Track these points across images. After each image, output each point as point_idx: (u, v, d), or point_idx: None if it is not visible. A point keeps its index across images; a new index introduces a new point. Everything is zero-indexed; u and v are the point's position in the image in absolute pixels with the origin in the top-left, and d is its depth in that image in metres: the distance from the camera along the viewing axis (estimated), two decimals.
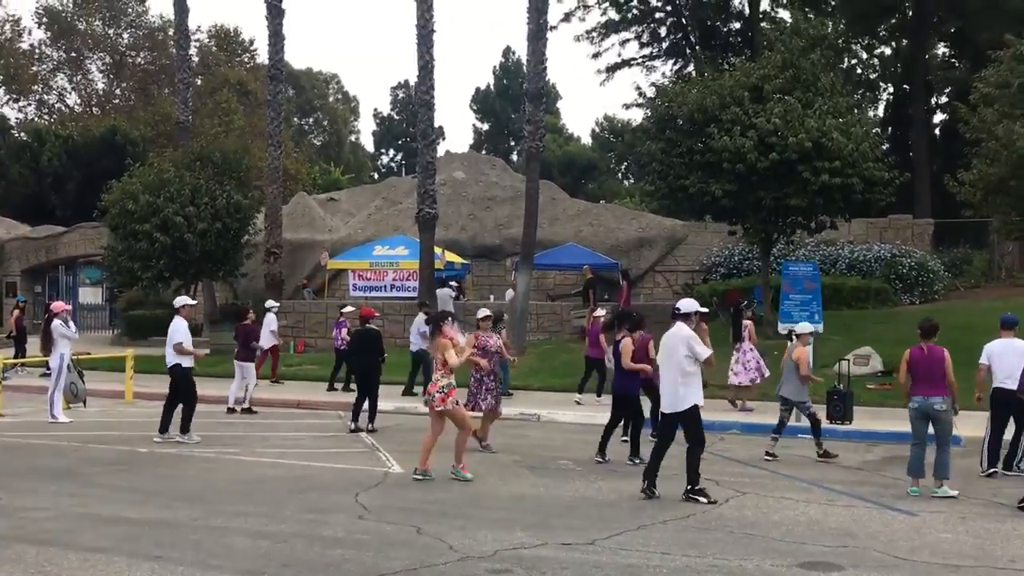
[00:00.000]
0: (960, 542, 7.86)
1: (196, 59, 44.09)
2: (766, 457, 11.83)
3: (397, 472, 10.86)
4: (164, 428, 13.04)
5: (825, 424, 14.22)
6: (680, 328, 9.64)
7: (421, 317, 18.14)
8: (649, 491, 9.42)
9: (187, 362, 13.29)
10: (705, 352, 9.56)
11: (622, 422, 12.05)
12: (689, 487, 9.34)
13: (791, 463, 11.74)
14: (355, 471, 10.89)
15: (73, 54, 50.99)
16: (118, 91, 53.25)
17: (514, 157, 65.79)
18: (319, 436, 13.87)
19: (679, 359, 9.42)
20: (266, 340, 20.14)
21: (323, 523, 8.27)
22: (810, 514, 8.85)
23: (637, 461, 11.24)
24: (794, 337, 12.54)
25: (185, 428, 13.02)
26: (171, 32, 39.70)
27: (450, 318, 11.42)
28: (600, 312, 17.42)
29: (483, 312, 13.17)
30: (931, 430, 9.91)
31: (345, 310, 19.67)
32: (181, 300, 13.97)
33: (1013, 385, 10.16)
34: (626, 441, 12.41)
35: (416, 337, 18.10)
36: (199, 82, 45.84)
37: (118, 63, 51.74)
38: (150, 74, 51.76)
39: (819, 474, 11.01)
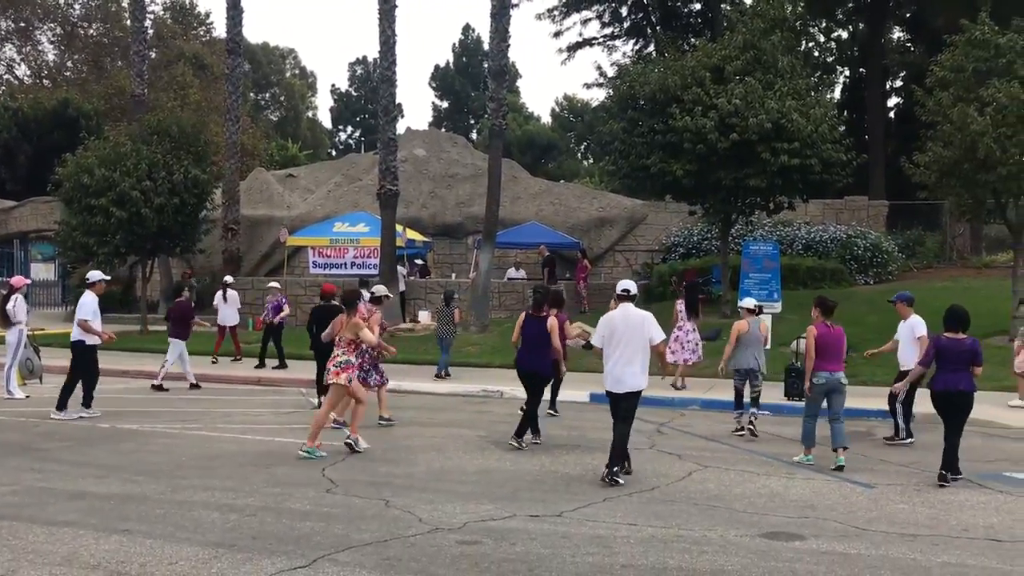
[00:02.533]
0: (916, 512, 8.09)
1: (151, 32, 43.24)
2: (740, 433, 12.09)
3: (362, 447, 10.85)
4: (63, 405, 12.81)
5: (783, 400, 14.58)
6: (635, 309, 9.47)
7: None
8: (610, 476, 9.00)
9: (91, 340, 13.01)
10: (661, 336, 9.42)
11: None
12: (616, 467, 9.08)
13: (750, 439, 11.95)
14: (320, 446, 10.86)
15: (22, 24, 49.74)
16: (69, 63, 52.11)
17: (474, 135, 65.60)
18: (282, 412, 13.82)
19: (643, 340, 9.23)
20: (232, 317, 20.13)
21: (291, 496, 8.27)
22: (771, 487, 9.04)
23: (528, 443, 11.01)
24: (743, 313, 12.84)
25: (87, 403, 12.96)
26: (124, 3, 38.91)
27: (361, 298, 11.64)
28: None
29: (382, 290, 13.20)
30: (824, 404, 10.30)
31: (271, 285, 19.86)
32: (97, 275, 13.53)
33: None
34: (553, 414, 12.82)
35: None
36: (154, 55, 45.01)
37: (69, 34, 50.59)
38: (103, 46, 50.67)
39: (779, 448, 11.23)
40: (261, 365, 18.77)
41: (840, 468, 9.82)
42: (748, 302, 12.99)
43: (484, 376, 17.67)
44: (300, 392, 16.21)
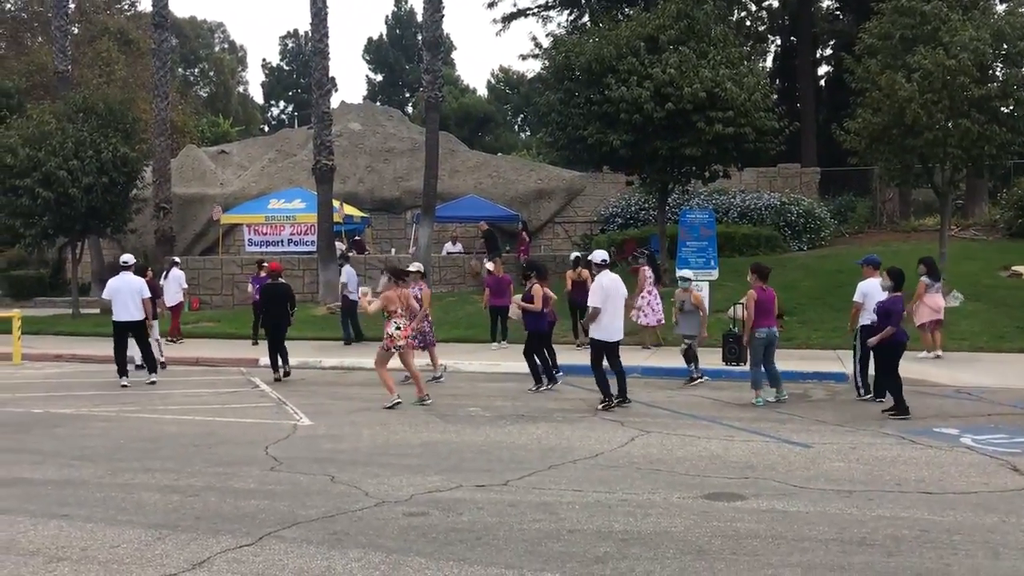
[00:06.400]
0: (851, 470, 8.32)
1: (72, 6, 41.84)
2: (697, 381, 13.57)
3: (306, 424, 10.80)
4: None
5: (721, 366, 14.83)
6: (612, 274, 11.88)
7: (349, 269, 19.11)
8: (611, 403, 11.54)
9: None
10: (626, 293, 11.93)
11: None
12: (621, 398, 11.71)
13: (690, 403, 12.16)
14: (263, 425, 10.79)
15: None
16: None
17: (409, 109, 64.96)
18: (222, 392, 13.64)
19: (623, 300, 11.74)
20: (175, 296, 19.76)
21: (234, 476, 8.20)
22: (712, 449, 9.21)
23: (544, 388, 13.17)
24: (680, 282, 13.94)
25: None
26: None
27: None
28: (490, 266, 18.14)
29: (415, 266, 14.71)
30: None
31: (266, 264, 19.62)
32: (130, 258, 14.88)
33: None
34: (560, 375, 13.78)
35: (353, 287, 18.48)
36: (76, 30, 43.59)
37: None
38: (22, 22, 48.84)
39: (718, 412, 11.43)
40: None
41: (781, 400, 11.91)
42: (685, 273, 14.25)
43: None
44: (240, 372, 16.02)
